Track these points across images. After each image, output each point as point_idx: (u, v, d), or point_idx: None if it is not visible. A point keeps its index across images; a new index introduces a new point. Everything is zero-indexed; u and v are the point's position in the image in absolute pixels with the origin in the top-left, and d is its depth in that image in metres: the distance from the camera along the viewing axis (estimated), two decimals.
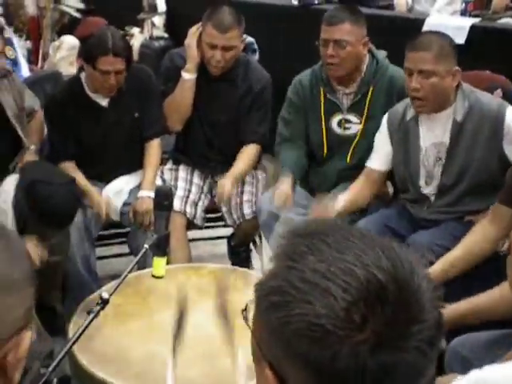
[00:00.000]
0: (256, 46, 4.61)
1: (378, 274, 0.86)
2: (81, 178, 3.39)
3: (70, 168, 3.43)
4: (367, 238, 0.92)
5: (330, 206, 3.07)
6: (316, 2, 5.23)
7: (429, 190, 3.01)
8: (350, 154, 3.34)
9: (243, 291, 2.59)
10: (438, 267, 2.55)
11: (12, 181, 3.03)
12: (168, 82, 3.57)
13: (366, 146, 3.23)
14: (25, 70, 5.11)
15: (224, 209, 3.57)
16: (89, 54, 3.31)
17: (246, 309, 0.99)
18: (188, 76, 3.51)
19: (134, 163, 3.53)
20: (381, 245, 0.91)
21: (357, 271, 0.86)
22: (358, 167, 3.23)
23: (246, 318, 0.99)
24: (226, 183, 3.37)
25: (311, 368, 0.86)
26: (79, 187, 3.27)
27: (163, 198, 2.19)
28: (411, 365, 0.86)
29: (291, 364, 0.88)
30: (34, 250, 2.84)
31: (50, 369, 1.68)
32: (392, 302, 0.85)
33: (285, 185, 3.24)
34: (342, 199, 3.09)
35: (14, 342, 1.00)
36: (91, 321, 1.83)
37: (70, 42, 5.83)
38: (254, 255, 3.92)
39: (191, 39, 3.50)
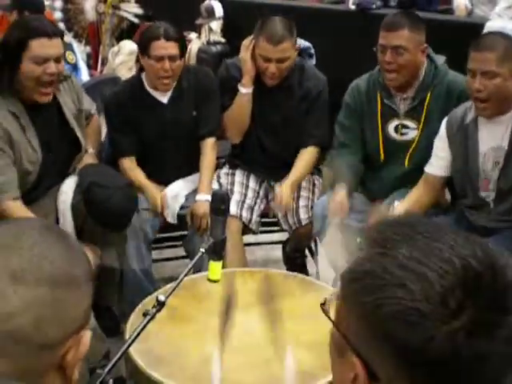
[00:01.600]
0: (313, 51, 4.59)
1: (474, 263, 0.87)
2: (139, 174, 3.45)
3: (130, 164, 3.49)
4: (458, 231, 0.93)
5: (388, 212, 3.04)
6: (374, 7, 5.20)
7: (488, 195, 2.96)
8: (407, 160, 3.30)
9: (298, 297, 2.58)
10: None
11: (71, 183, 3.08)
12: (225, 93, 3.59)
13: (423, 151, 3.19)
14: (84, 75, 5.19)
15: (280, 214, 3.57)
16: (142, 43, 3.41)
17: (325, 302, 1.00)
18: (245, 90, 3.52)
19: (191, 163, 3.55)
20: (471, 237, 0.92)
21: (453, 259, 0.87)
22: (415, 173, 3.19)
23: (325, 311, 0.99)
24: (284, 190, 3.37)
25: (402, 353, 0.86)
26: (137, 186, 3.32)
27: (220, 202, 2.20)
28: (504, 355, 0.87)
29: (381, 350, 0.88)
30: (89, 255, 2.87)
31: (107, 369, 1.69)
32: (488, 290, 0.86)
33: (339, 195, 3.22)
34: (400, 206, 3.06)
35: (73, 340, 1.02)
36: (148, 323, 1.85)
37: (129, 47, 5.91)
38: (310, 261, 3.91)
39: (245, 53, 3.49)
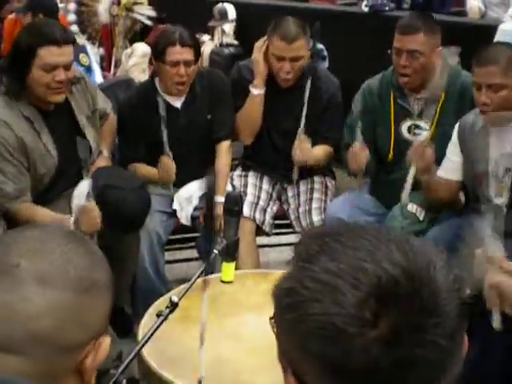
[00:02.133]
0: (326, 53, 4.60)
1: (390, 269, 0.84)
2: (145, 167, 3.48)
3: (139, 165, 3.50)
4: (382, 234, 0.90)
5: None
6: (386, 9, 5.20)
7: (500, 201, 2.94)
8: None
9: None
10: None
11: (85, 185, 3.09)
12: (236, 95, 3.59)
13: (436, 152, 3.18)
14: (98, 77, 5.21)
15: (292, 216, 3.57)
16: (157, 48, 3.40)
17: (274, 316, 0.96)
18: (257, 91, 3.52)
19: (206, 166, 3.56)
20: (395, 239, 0.89)
21: (367, 267, 0.84)
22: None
23: (272, 326, 0.96)
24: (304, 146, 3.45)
25: (327, 367, 0.85)
26: (145, 177, 3.35)
27: (233, 203, 2.20)
28: (429, 360, 0.84)
29: (308, 365, 0.87)
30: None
31: (120, 370, 1.70)
32: (404, 295, 0.83)
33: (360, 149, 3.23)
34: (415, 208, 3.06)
35: (92, 346, 1.03)
36: (161, 323, 1.85)
37: (142, 49, 5.93)
38: None
39: (258, 54, 3.50)
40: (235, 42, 6.42)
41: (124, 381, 1.70)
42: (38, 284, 0.97)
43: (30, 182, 3.00)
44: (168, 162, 3.46)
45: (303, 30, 3.40)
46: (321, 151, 3.58)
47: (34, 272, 0.98)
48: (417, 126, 3.29)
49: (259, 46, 3.51)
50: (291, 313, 0.87)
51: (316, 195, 3.58)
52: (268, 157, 3.67)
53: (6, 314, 0.96)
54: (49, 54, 2.91)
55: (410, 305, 0.83)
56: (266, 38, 3.49)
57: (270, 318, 0.97)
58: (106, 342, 1.05)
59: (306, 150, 3.47)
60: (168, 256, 3.69)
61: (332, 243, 0.89)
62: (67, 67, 2.97)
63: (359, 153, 3.22)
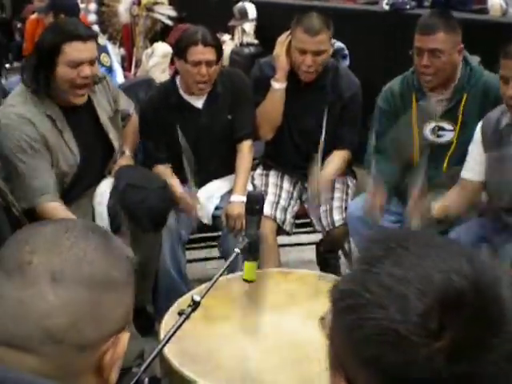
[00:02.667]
0: (346, 52, 4.59)
1: (457, 280, 0.82)
2: (174, 184, 3.44)
3: (165, 171, 3.50)
4: (450, 245, 0.90)
5: (427, 206, 3.02)
6: (407, 7, 5.18)
7: None
8: (446, 163, 3.27)
9: None
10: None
11: (107, 184, 3.11)
12: (257, 91, 3.59)
13: (461, 153, 3.15)
14: (119, 77, 5.23)
15: (323, 199, 3.55)
16: (180, 47, 3.40)
17: (324, 317, 0.96)
18: (278, 86, 3.52)
19: (226, 166, 3.57)
20: (464, 252, 0.87)
21: (434, 277, 0.83)
22: (452, 176, 3.16)
23: (323, 327, 0.96)
24: (328, 173, 3.44)
25: (383, 374, 0.84)
26: (172, 191, 3.33)
27: (254, 202, 2.20)
28: (488, 379, 0.82)
29: (363, 370, 0.86)
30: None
31: (142, 368, 1.71)
32: (470, 308, 0.81)
33: (376, 192, 3.21)
34: (437, 207, 3.04)
35: (111, 342, 1.02)
36: (183, 322, 1.86)
37: (163, 49, 5.96)
38: (343, 262, 3.90)
39: (280, 48, 3.51)
40: (255, 42, 6.43)
41: (146, 379, 1.71)
42: (51, 281, 0.97)
43: (54, 178, 3.01)
44: (187, 201, 3.43)
45: (327, 24, 3.41)
46: (336, 163, 3.56)
47: (47, 269, 0.97)
48: (440, 128, 3.27)
49: (282, 40, 3.52)
50: (351, 315, 0.86)
51: (337, 194, 3.58)
52: (289, 156, 3.67)
53: (20, 312, 0.96)
54: (74, 50, 2.93)
55: (476, 318, 0.82)
56: (288, 32, 3.49)
57: (320, 319, 0.96)
58: (125, 338, 1.04)
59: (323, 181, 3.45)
60: (189, 255, 3.70)
61: (397, 249, 0.88)
62: (92, 62, 2.99)
63: (375, 203, 3.22)
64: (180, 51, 3.39)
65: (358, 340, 0.85)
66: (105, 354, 1.01)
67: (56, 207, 2.97)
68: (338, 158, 3.57)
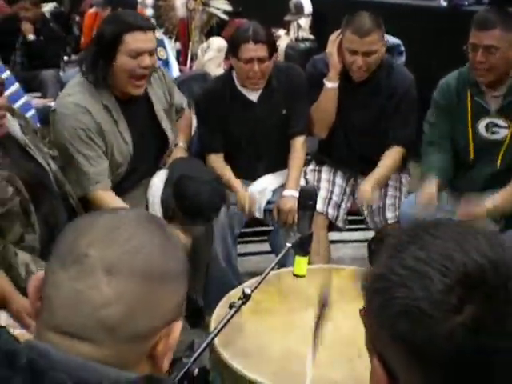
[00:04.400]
0: (403, 48, 4.53)
1: (477, 258, 0.87)
2: (227, 172, 3.47)
3: (218, 161, 3.53)
4: (471, 228, 0.94)
5: (479, 204, 2.98)
6: (466, 3, 5.10)
7: None
8: (499, 160, 3.23)
9: None
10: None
11: (161, 175, 3.14)
12: (311, 89, 3.58)
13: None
14: (175, 71, 5.29)
15: (366, 212, 3.55)
16: (232, 45, 3.45)
17: (364, 308, 1.01)
18: (330, 85, 3.51)
19: (279, 161, 3.57)
20: (484, 233, 0.92)
21: (455, 256, 0.88)
22: (507, 173, 3.11)
23: (362, 316, 1.01)
24: (366, 189, 3.36)
25: (410, 352, 0.88)
26: (225, 183, 3.35)
27: (307, 197, 2.20)
28: (507, 352, 0.86)
29: (394, 350, 0.91)
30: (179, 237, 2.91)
31: (193, 359, 1.72)
32: (490, 285, 0.86)
33: (429, 187, 3.18)
34: (489, 202, 3.00)
35: (165, 331, 1.03)
36: (233, 315, 1.86)
37: (218, 43, 5.97)
38: None
39: (332, 47, 3.49)
40: (311, 37, 6.41)
41: (196, 370, 1.71)
42: (106, 273, 0.98)
43: (108, 167, 3.05)
44: (243, 196, 3.46)
45: (377, 24, 3.37)
46: (392, 160, 3.53)
47: (103, 261, 0.99)
48: (495, 125, 3.22)
49: (333, 39, 3.50)
50: (379, 297, 0.91)
51: (390, 191, 3.55)
52: (342, 152, 3.64)
53: (75, 302, 0.98)
54: (135, 40, 2.95)
55: (495, 295, 0.86)
56: (340, 31, 3.47)
57: (361, 310, 1.01)
58: (178, 327, 1.06)
59: (369, 196, 3.40)
60: (240, 249, 3.72)
61: (422, 234, 0.93)
62: (151, 53, 3.02)
63: (428, 200, 3.18)
64: (232, 49, 3.42)
65: (386, 319, 0.90)
66: (158, 343, 1.03)
67: (108, 196, 3.02)
68: (390, 158, 3.53)
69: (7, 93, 3.49)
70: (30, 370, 0.93)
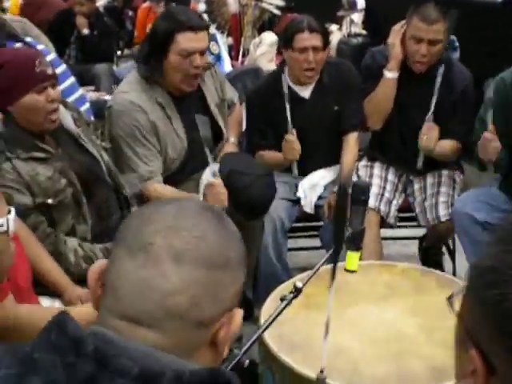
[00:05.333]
0: (457, 44, 4.49)
1: None
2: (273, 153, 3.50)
3: (266, 154, 3.54)
4: None
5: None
6: None
7: None
8: None
9: (435, 293, 2.54)
10: None
11: (213, 170, 3.15)
12: (368, 80, 3.56)
13: None
14: (227, 66, 5.31)
15: (418, 209, 3.52)
16: (286, 36, 3.45)
17: (451, 296, 1.00)
18: (390, 75, 3.48)
19: (331, 157, 3.57)
20: None
21: None
22: None
23: (450, 304, 1.00)
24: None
25: None
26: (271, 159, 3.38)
27: (360, 193, 2.18)
28: None
29: (500, 344, 0.87)
30: None
31: (243, 350, 1.73)
32: None
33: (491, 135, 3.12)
34: None
35: (225, 318, 1.05)
36: (284, 308, 1.87)
37: (270, 38, 5.98)
38: (446, 259, 3.82)
39: (395, 37, 3.47)
40: (363, 32, 6.38)
41: (247, 361, 1.73)
42: (173, 261, 1.00)
43: (161, 165, 3.09)
44: (292, 139, 3.47)
45: (443, 15, 3.35)
46: (448, 144, 3.50)
47: (169, 250, 1.00)
48: None
49: (397, 29, 3.49)
50: (492, 290, 0.88)
51: (443, 189, 3.51)
52: (394, 147, 3.62)
53: (143, 290, 1.00)
54: (186, 40, 2.98)
55: None
56: (403, 22, 3.45)
57: (448, 298, 1.00)
58: (239, 314, 1.07)
59: (433, 137, 3.40)
60: (290, 243, 3.72)
61: None
62: (202, 53, 3.04)
63: (489, 142, 3.12)
64: (287, 39, 3.43)
65: (498, 314, 0.87)
66: (220, 329, 1.05)
67: (162, 186, 3.06)
68: (448, 142, 3.49)
69: (63, 86, 3.56)
70: (96, 356, 0.95)
